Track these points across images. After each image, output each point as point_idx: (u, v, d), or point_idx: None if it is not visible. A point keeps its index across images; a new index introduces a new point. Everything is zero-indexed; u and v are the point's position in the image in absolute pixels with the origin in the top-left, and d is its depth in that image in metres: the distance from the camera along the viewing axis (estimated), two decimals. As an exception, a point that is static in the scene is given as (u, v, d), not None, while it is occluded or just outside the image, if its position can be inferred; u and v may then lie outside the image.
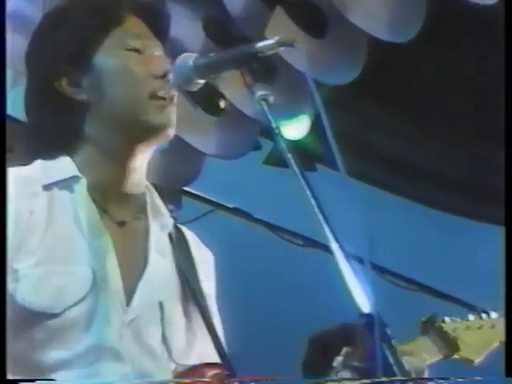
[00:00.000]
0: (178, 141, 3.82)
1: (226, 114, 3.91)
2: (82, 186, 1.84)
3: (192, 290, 1.87)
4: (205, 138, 3.92)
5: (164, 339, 1.82)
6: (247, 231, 4.44)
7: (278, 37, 1.68)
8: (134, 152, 1.86)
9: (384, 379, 1.41)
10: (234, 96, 3.70)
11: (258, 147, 4.42)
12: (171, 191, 4.00)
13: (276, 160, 4.42)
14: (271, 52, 1.69)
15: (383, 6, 3.50)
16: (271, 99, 1.66)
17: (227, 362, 1.82)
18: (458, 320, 2.19)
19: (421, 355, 2.01)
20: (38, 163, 1.87)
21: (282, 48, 1.68)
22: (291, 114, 1.50)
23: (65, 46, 1.87)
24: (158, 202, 1.94)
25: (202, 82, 1.80)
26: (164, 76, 1.85)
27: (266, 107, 1.64)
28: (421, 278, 4.86)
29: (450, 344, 2.13)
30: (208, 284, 1.94)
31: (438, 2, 3.49)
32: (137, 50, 1.87)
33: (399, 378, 1.39)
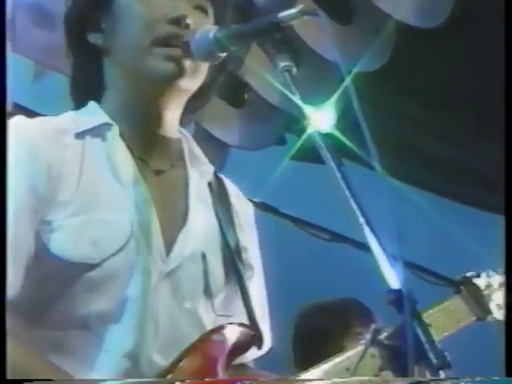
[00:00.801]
0: (201, 132, 3.79)
1: (251, 104, 3.87)
2: (114, 134, 1.78)
3: (229, 242, 1.80)
4: (228, 129, 3.89)
5: (206, 291, 1.76)
6: (273, 226, 4.39)
7: (301, 5, 1.62)
8: (156, 101, 1.78)
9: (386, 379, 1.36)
10: (258, 85, 3.66)
11: (283, 142, 4.38)
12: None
13: (302, 155, 4.38)
14: (294, 21, 1.63)
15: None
16: (294, 71, 1.59)
17: (255, 324, 1.77)
18: (494, 275, 2.12)
19: (452, 317, 1.95)
20: (69, 114, 1.82)
21: (305, 17, 1.62)
22: (316, 104, 1.45)
23: None
24: (196, 149, 1.86)
25: (222, 55, 1.75)
26: (180, 20, 1.74)
27: (289, 79, 1.58)
28: (450, 274, 4.79)
29: (484, 304, 2.07)
30: (247, 237, 1.87)
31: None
32: None
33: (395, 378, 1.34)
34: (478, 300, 2.11)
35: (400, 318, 1.32)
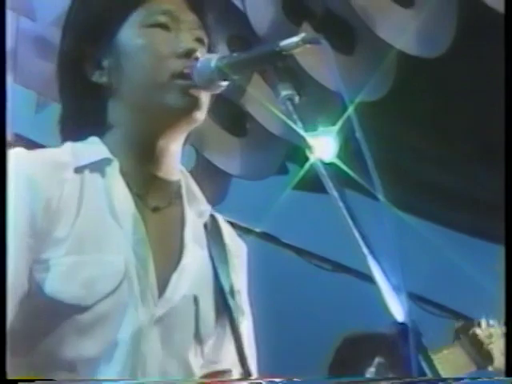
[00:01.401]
0: (203, 161, 3.77)
1: (252, 133, 3.85)
2: (114, 169, 1.75)
3: (223, 285, 1.77)
4: (230, 158, 3.87)
5: (197, 336, 1.72)
6: (275, 256, 4.36)
7: (303, 33, 1.60)
8: (162, 137, 1.76)
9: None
10: (260, 115, 3.65)
11: (285, 172, 4.36)
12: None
13: (304, 184, 4.35)
14: (297, 50, 1.61)
15: (412, 19, 3.44)
16: (297, 99, 1.58)
17: (247, 368, 1.74)
18: (495, 324, 2.08)
19: (452, 366, 1.91)
20: (68, 146, 1.78)
21: (308, 45, 1.60)
22: (318, 133, 1.43)
23: (88, 25, 1.79)
24: (194, 187, 1.83)
25: (224, 83, 1.73)
26: (190, 54, 1.73)
27: (291, 107, 1.56)
28: (453, 305, 4.74)
29: (484, 354, 2.02)
30: (240, 280, 1.84)
31: (469, 15, 3.41)
32: (164, 26, 1.76)
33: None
34: (479, 349, 2.06)
35: (405, 352, 1.29)
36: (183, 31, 1.77)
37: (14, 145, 1.77)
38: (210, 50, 1.80)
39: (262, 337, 1.89)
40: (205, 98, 1.75)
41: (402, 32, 3.46)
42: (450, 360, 2.04)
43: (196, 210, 1.81)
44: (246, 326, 1.82)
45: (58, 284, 1.64)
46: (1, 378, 1.54)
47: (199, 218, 1.82)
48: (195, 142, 3.76)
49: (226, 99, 3.46)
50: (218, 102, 1.83)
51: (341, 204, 1.49)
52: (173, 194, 1.80)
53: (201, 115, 1.75)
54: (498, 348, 2.14)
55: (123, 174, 1.76)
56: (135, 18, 1.77)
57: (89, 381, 1.64)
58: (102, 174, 1.75)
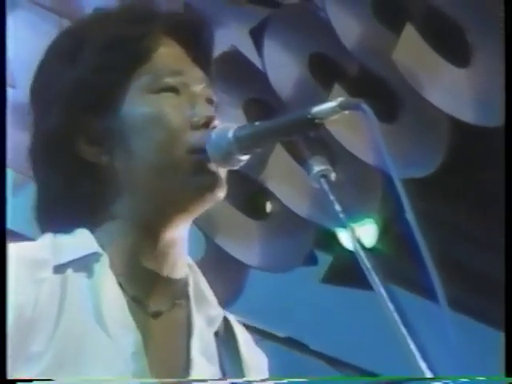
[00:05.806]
0: (214, 249, 3.75)
1: (275, 216, 3.85)
2: (103, 267, 1.71)
3: None
4: (247, 246, 3.86)
5: None
6: (301, 365, 4.31)
7: (340, 98, 1.59)
8: (170, 224, 1.73)
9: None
10: (283, 193, 3.64)
11: (313, 262, 4.33)
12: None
13: (336, 277, 4.32)
14: (333, 117, 1.60)
15: (467, 81, 3.45)
16: (333, 176, 1.56)
17: None
18: None
19: None
20: (48, 239, 1.74)
21: (346, 112, 1.59)
22: (355, 217, 1.42)
23: (80, 91, 1.74)
24: (204, 286, 1.79)
25: (244, 158, 1.71)
26: (208, 123, 1.72)
27: (326, 186, 1.55)
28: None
29: None
30: None
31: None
32: (173, 89, 1.74)
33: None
34: None
35: None
36: (195, 95, 1.75)
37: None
38: (216, 109, 1.79)
39: None
40: (223, 173, 1.74)
41: (454, 95, 3.47)
42: None
43: (205, 316, 1.78)
44: None
45: None
46: (1, 378, 1.56)
47: (209, 327, 1.78)
48: (204, 227, 3.75)
49: (243, 174, 3.45)
50: (233, 177, 1.82)
51: (386, 299, 1.46)
52: (178, 293, 1.77)
53: (222, 192, 1.74)
54: None
55: (116, 272, 1.72)
56: (139, 82, 1.75)
57: (89, 381, 1.63)
58: (89, 272, 1.71)
